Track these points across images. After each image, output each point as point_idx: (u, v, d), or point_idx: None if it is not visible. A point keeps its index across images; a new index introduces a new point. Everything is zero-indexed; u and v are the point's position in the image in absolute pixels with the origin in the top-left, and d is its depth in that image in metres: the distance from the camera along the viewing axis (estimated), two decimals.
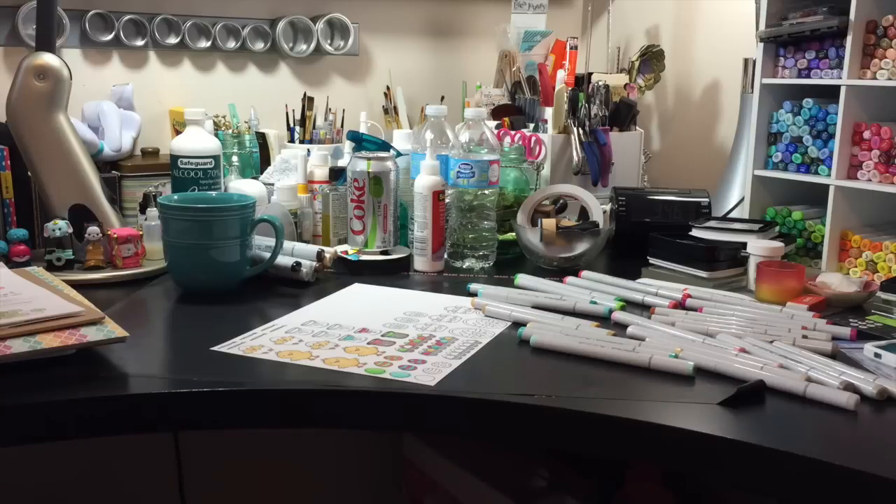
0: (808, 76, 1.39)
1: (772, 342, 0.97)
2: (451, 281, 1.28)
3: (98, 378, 0.86)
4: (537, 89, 1.67)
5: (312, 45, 1.75)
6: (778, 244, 1.24)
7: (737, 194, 1.56)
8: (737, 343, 0.97)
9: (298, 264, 1.22)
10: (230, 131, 1.60)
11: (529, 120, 1.66)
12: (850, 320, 1.11)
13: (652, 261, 1.33)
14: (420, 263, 1.32)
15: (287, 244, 1.26)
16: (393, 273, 1.31)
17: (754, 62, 1.46)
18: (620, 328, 1.05)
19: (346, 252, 1.32)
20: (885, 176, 1.28)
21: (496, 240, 1.35)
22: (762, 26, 1.42)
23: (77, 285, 1.07)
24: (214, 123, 1.58)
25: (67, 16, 1.51)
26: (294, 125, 1.71)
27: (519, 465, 1.43)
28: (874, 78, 1.28)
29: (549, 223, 1.34)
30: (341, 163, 1.52)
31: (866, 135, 1.30)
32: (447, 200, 1.33)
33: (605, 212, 1.44)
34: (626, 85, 1.74)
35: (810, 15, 1.36)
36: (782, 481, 0.73)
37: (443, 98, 1.83)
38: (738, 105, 1.62)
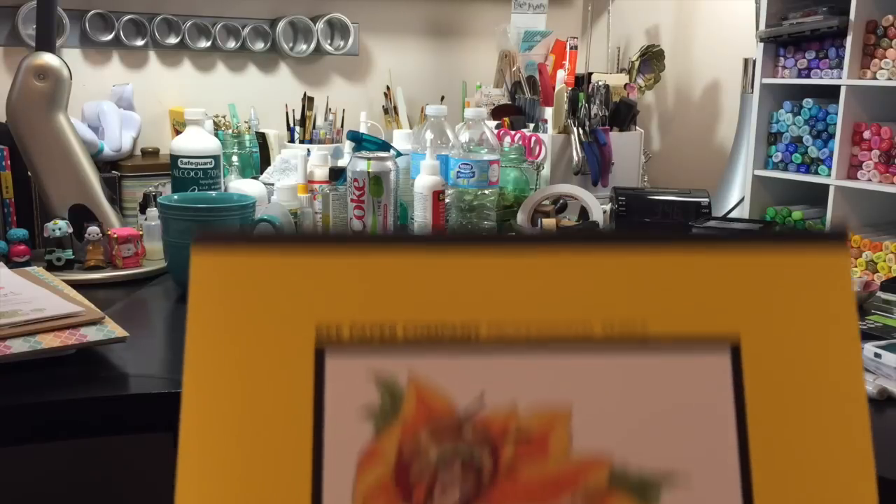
0: (808, 76, 1.39)
1: None
2: None
3: (98, 378, 0.86)
4: (537, 89, 1.67)
5: (312, 45, 1.75)
6: None
7: (737, 194, 1.56)
8: None
9: None
10: (230, 131, 1.60)
11: (529, 120, 1.66)
12: None
13: None
14: None
15: None
16: None
17: (754, 62, 1.46)
18: None
19: None
20: (885, 176, 1.28)
21: None
22: (762, 26, 1.42)
23: (77, 285, 1.07)
24: (214, 123, 1.58)
25: (67, 16, 1.51)
26: (294, 125, 1.71)
27: None
28: (874, 78, 1.28)
29: (549, 223, 1.34)
30: (341, 163, 1.52)
31: (866, 135, 1.30)
32: (447, 200, 1.33)
33: (605, 212, 1.44)
34: (626, 85, 1.74)
35: (810, 15, 1.36)
36: None
37: (443, 98, 1.83)
38: (738, 105, 1.62)
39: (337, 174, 1.45)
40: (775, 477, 0.24)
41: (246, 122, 1.65)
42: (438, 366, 0.25)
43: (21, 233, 1.21)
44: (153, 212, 1.27)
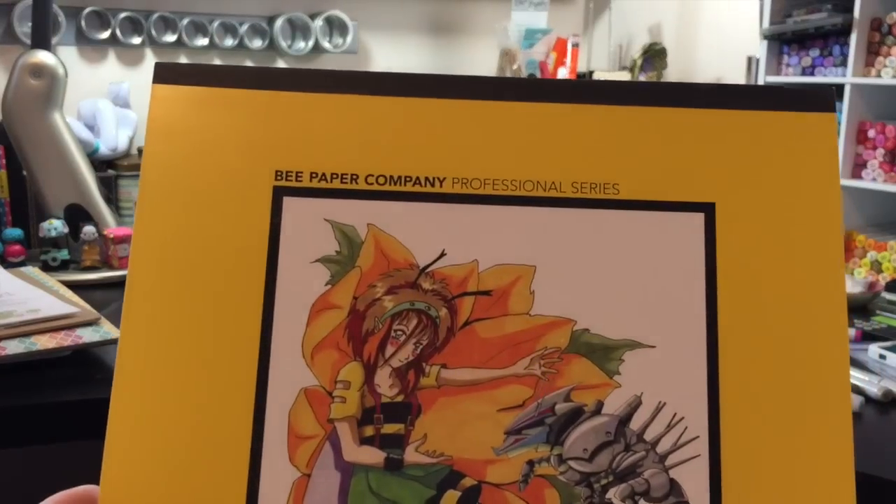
0: (812, 74, 1.38)
1: None
2: None
3: (94, 380, 0.85)
4: None
5: (311, 43, 1.74)
6: None
7: None
8: None
9: None
10: None
11: None
12: (855, 321, 1.10)
13: None
14: None
15: None
16: None
17: (758, 60, 1.45)
18: None
19: None
20: (890, 175, 1.27)
21: None
22: (766, 24, 1.41)
23: (73, 286, 1.06)
24: None
25: (63, 13, 1.50)
26: None
27: None
28: (879, 76, 1.27)
29: None
30: None
31: (871, 133, 1.29)
32: None
33: None
34: None
35: (814, 12, 1.35)
36: None
37: None
38: None
39: None
40: (743, 345, 0.23)
41: None
42: (399, 217, 0.24)
43: (16, 233, 1.20)
44: None
